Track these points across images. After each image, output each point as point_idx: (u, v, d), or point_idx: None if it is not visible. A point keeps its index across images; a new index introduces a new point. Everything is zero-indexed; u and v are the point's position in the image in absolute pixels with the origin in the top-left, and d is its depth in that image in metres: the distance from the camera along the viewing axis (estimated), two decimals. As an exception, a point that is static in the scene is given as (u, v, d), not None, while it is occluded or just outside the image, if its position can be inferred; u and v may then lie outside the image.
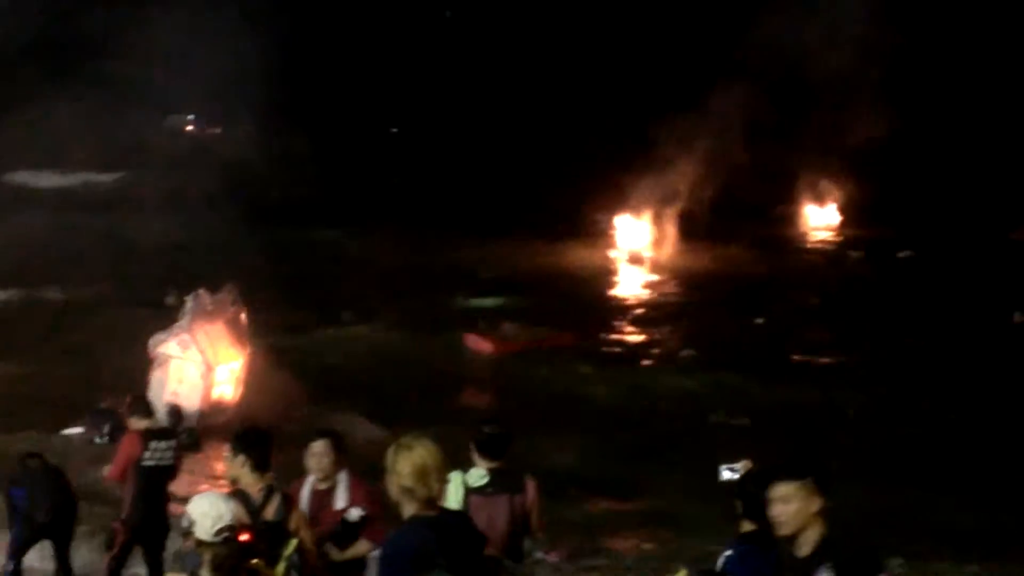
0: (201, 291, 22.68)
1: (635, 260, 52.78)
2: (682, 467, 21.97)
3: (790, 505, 6.21)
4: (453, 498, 8.83)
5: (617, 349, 33.82)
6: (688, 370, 31.06)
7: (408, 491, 6.60)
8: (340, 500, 9.31)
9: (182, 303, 23.07)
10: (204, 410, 21.51)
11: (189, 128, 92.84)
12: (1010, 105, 68.50)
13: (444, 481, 6.88)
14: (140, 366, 22.66)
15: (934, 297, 41.12)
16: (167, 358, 21.43)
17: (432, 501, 6.69)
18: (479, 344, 30.61)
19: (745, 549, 7.82)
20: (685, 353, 32.83)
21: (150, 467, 12.46)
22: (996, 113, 68.77)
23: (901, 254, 53.45)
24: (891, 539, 16.29)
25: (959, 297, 40.74)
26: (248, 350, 23.17)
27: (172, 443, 12.94)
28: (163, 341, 21.65)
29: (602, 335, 34.78)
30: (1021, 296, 40.00)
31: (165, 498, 12.76)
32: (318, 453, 9.39)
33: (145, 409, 13.32)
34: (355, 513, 9.14)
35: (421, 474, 6.58)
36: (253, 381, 23.22)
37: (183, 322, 22.03)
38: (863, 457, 22.98)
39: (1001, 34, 67.46)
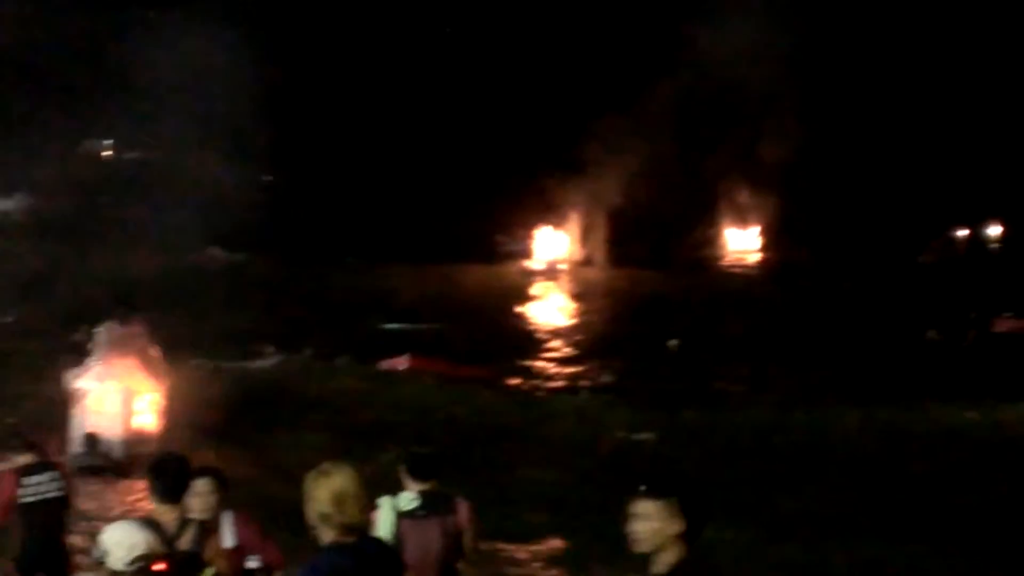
0: (111, 323, 22.57)
1: (551, 276, 53.88)
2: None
3: (649, 523, 6.06)
4: (384, 523, 8.83)
5: (523, 379, 33.64)
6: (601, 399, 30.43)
7: (325, 517, 6.50)
8: (227, 538, 9.16)
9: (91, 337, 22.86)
10: (127, 439, 21.12)
11: (106, 153, 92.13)
12: (921, 132, 70.26)
13: (363, 508, 6.74)
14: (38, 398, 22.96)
15: (852, 317, 42.03)
16: (85, 392, 21.29)
17: (351, 528, 6.57)
18: (395, 362, 30.73)
19: None
20: (605, 379, 32.90)
21: (30, 503, 11.98)
22: (908, 139, 70.35)
23: (810, 278, 53.89)
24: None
25: (876, 316, 41.97)
26: (164, 381, 22.72)
27: (53, 474, 12.30)
28: (79, 375, 21.44)
29: (513, 362, 34.91)
30: (932, 315, 41.40)
31: (59, 532, 12.22)
32: (203, 492, 9.16)
33: (23, 444, 12.74)
34: (253, 563, 9.07)
35: (338, 500, 6.50)
36: (173, 412, 22.75)
37: (97, 354, 21.84)
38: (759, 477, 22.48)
39: (912, 63, 68.79)
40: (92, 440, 20.25)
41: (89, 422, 20.97)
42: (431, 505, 8.90)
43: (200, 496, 8.93)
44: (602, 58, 72.17)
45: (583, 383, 32.73)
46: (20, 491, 11.91)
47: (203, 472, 9.18)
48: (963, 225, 69.72)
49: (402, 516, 8.80)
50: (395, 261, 50.80)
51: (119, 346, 21.88)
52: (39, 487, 12.06)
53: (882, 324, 40.79)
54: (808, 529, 17.86)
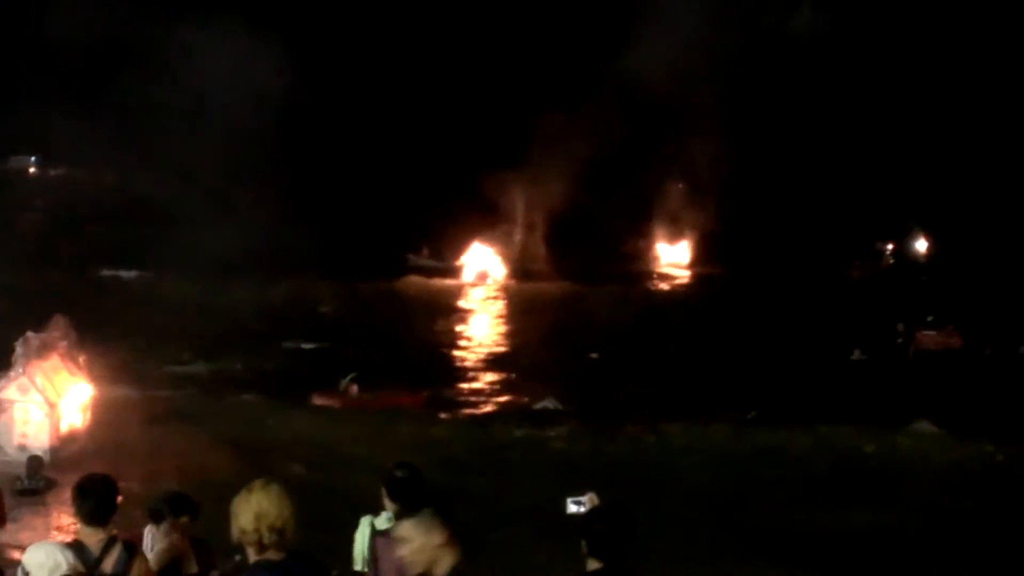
0: (29, 333, 22.60)
1: (480, 280, 54.61)
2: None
3: (412, 544, 6.27)
4: (360, 540, 8.87)
5: (458, 400, 33.11)
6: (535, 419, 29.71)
7: (245, 533, 6.54)
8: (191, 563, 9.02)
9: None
10: (54, 446, 21.36)
11: (32, 170, 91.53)
12: (848, 148, 71.33)
13: (286, 527, 6.63)
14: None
15: (775, 334, 41.72)
16: (9, 403, 21.50)
17: (278, 545, 6.56)
18: (325, 400, 30.07)
19: None
20: (540, 405, 31.69)
21: None
22: (836, 155, 71.32)
23: (736, 292, 53.90)
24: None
25: (800, 335, 41.59)
26: (88, 374, 23.26)
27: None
28: (2, 388, 21.68)
29: (443, 388, 33.99)
30: (858, 333, 41.54)
31: None
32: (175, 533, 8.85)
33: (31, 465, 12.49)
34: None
35: (258, 519, 6.52)
36: (99, 410, 23.38)
37: (18, 366, 21.92)
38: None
39: (839, 79, 70.03)
40: (36, 464, 20.06)
41: (16, 432, 21.20)
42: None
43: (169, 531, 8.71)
44: (537, 68, 72.40)
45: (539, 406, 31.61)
46: None
47: (181, 504, 8.99)
48: (889, 239, 70.28)
49: (377, 534, 8.75)
50: (307, 276, 50.39)
51: (39, 353, 22.11)
52: None
53: (807, 342, 40.56)
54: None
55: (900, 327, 43.13)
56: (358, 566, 8.85)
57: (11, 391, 21.51)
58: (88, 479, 8.55)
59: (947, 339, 41.58)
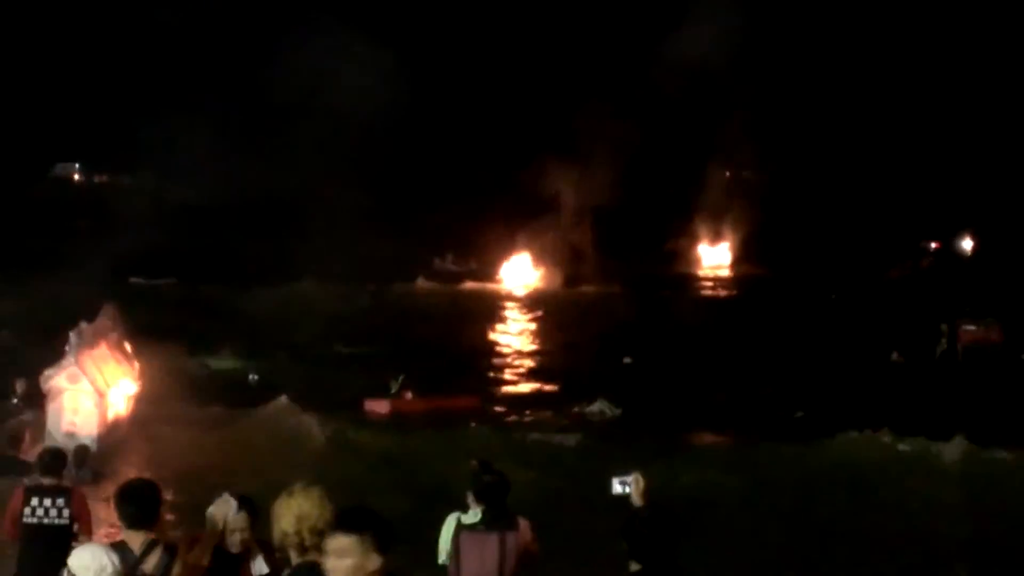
0: (82, 323, 23.02)
1: (520, 299, 53.17)
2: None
3: (344, 560, 5.98)
4: (446, 534, 9.05)
5: (504, 408, 32.11)
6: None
7: (286, 536, 6.67)
8: (260, 567, 8.60)
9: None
10: (101, 434, 21.76)
11: (76, 176, 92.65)
12: (891, 149, 71.23)
13: (327, 529, 6.38)
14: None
15: (817, 338, 41.46)
16: (60, 391, 21.85)
17: (318, 548, 6.46)
18: (374, 407, 29.43)
19: None
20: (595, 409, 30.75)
21: (32, 525, 11.59)
22: (875, 158, 71.24)
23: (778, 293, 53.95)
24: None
25: (841, 337, 41.39)
26: (135, 364, 23.75)
27: (59, 501, 11.72)
28: (53, 376, 21.96)
29: (491, 391, 33.51)
30: (898, 334, 41.13)
31: (58, 559, 11.63)
32: (240, 528, 8.48)
33: (44, 466, 12.10)
34: None
35: (299, 521, 6.66)
36: (144, 395, 23.85)
37: (70, 355, 22.23)
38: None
39: (882, 81, 69.62)
40: (83, 453, 20.14)
41: (65, 420, 21.60)
42: (492, 521, 9.01)
43: (237, 531, 8.40)
44: (568, 79, 71.87)
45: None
46: (26, 510, 11.60)
47: (241, 502, 8.50)
48: (935, 238, 70.80)
49: (463, 528, 9.00)
50: (341, 281, 50.02)
51: (90, 343, 22.48)
52: (42, 511, 11.68)
53: (847, 345, 40.27)
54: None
55: (943, 327, 42.60)
56: (442, 558, 9.03)
57: (61, 380, 21.83)
58: (130, 484, 8.62)
59: (987, 333, 41.43)
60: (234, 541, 8.22)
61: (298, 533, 6.60)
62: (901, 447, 24.84)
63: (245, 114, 77.10)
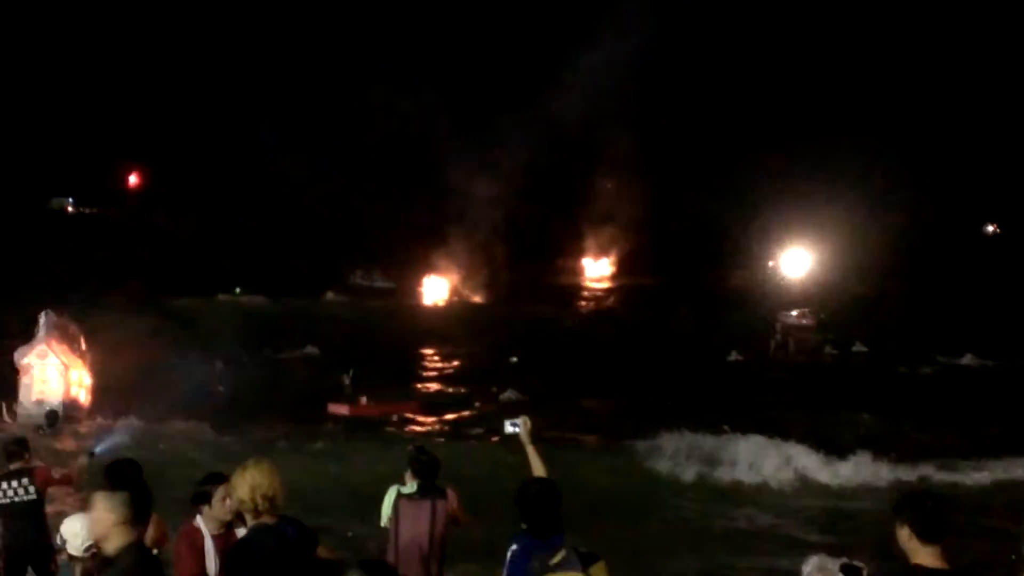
0: (48, 311, 23.34)
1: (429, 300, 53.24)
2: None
3: (92, 513, 5.84)
4: (388, 501, 9.08)
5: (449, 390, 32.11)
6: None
7: (243, 503, 6.50)
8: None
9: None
10: (65, 402, 22.06)
11: (70, 209, 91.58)
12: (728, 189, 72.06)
13: (277, 496, 6.49)
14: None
15: (666, 341, 41.14)
16: (30, 366, 22.33)
17: (271, 511, 6.46)
18: (337, 409, 28.46)
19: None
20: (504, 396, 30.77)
21: (5, 504, 11.07)
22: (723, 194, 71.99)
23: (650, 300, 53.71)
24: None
25: (690, 342, 41.10)
26: (88, 359, 23.68)
27: (24, 481, 11.20)
28: (25, 353, 22.49)
29: (424, 392, 32.43)
30: (735, 340, 40.87)
31: (38, 527, 10.99)
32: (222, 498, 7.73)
33: (9, 454, 11.29)
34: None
35: (253, 490, 6.47)
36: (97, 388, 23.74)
37: (40, 336, 22.74)
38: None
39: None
40: (53, 415, 20.16)
41: (35, 390, 22.09)
42: (426, 492, 9.07)
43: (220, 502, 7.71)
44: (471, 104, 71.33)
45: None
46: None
47: (219, 479, 7.82)
48: (769, 256, 71.03)
49: (402, 496, 9.07)
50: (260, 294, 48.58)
51: (57, 332, 23.00)
52: (10, 492, 11.21)
53: (692, 347, 39.69)
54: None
55: (779, 325, 43.94)
56: (383, 522, 9.07)
57: (32, 357, 22.40)
58: (118, 463, 8.31)
59: (800, 318, 43.29)
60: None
61: (252, 500, 6.44)
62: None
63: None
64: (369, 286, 57.20)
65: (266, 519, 6.39)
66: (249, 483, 6.42)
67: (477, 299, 51.68)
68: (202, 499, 7.33)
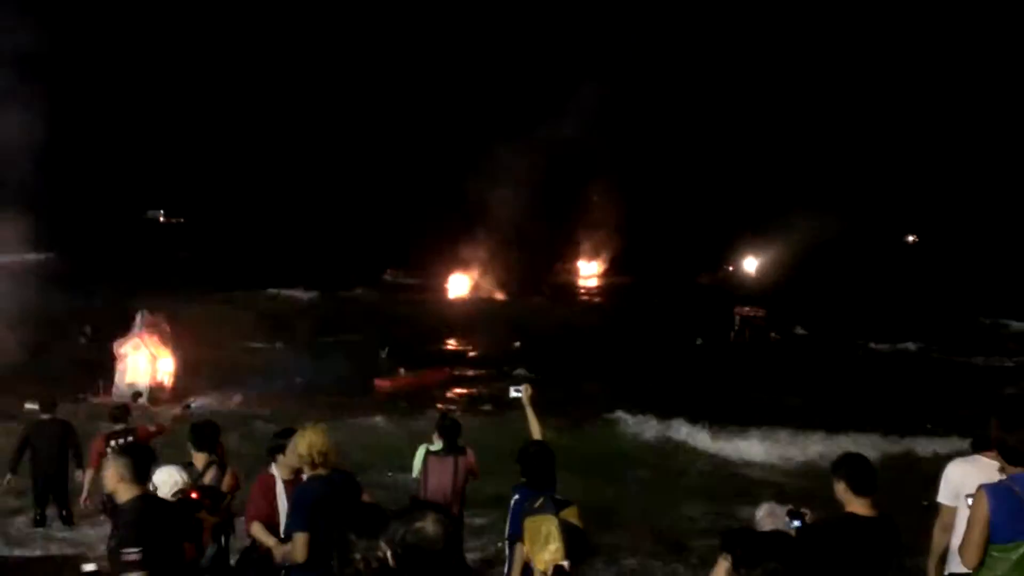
0: (144, 311, 23.32)
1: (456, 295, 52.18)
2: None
3: (163, 478, 6.27)
4: (418, 457, 9.19)
5: (469, 373, 30.56)
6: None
7: (303, 459, 6.62)
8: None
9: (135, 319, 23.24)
10: (152, 387, 21.98)
11: (161, 219, 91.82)
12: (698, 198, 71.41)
13: (330, 453, 6.65)
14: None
15: (640, 327, 40.58)
16: (125, 355, 22.40)
17: (324, 465, 6.64)
18: (382, 383, 27.18)
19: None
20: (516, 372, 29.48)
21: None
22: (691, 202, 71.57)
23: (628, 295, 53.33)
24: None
25: (658, 326, 40.57)
26: (176, 352, 23.48)
27: (128, 439, 11.40)
28: (122, 344, 22.57)
29: (456, 368, 31.29)
30: (701, 325, 40.17)
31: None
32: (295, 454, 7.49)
33: (115, 417, 12.00)
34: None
35: (310, 447, 6.58)
36: (183, 376, 23.56)
37: (135, 331, 22.79)
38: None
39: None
40: (137, 396, 19.90)
41: (128, 375, 22.24)
42: (449, 450, 9.15)
43: (292, 453, 7.49)
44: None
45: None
46: (108, 449, 11.02)
47: (292, 433, 7.62)
48: (729, 261, 70.26)
49: (430, 454, 9.16)
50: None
51: (149, 328, 23.14)
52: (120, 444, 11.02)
53: (663, 332, 39.09)
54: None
55: (737, 317, 43.28)
56: (415, 473, 9.22)
57: (127, 347, 22.59)
58: (201, 422, 8.69)
59: (755, 312, 43.19)
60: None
61: (309, 455, 6.57)
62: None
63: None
64: (396, 282, 56.40)
65: (320, 471, 6.56)
66: (307, 442, 6.54)
67: (499, 295, 50.56)
68: (277, 450, 7.43)
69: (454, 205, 59.56)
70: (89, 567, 6.26)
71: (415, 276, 57.47)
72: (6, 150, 25.06)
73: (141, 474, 6.12)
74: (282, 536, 6.88)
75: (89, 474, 11.53)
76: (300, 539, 6.34)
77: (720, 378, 29.44)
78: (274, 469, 7.43)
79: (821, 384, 28.42)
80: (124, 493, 6.03)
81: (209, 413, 18.32)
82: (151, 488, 6.67)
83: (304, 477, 6.92)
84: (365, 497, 6.97)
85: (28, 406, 16.32)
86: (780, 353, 35.75)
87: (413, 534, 3.32)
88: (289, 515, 6.68)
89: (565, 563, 3.85)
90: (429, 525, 3.36)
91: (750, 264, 70.24)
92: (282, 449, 7.33)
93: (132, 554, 5.80)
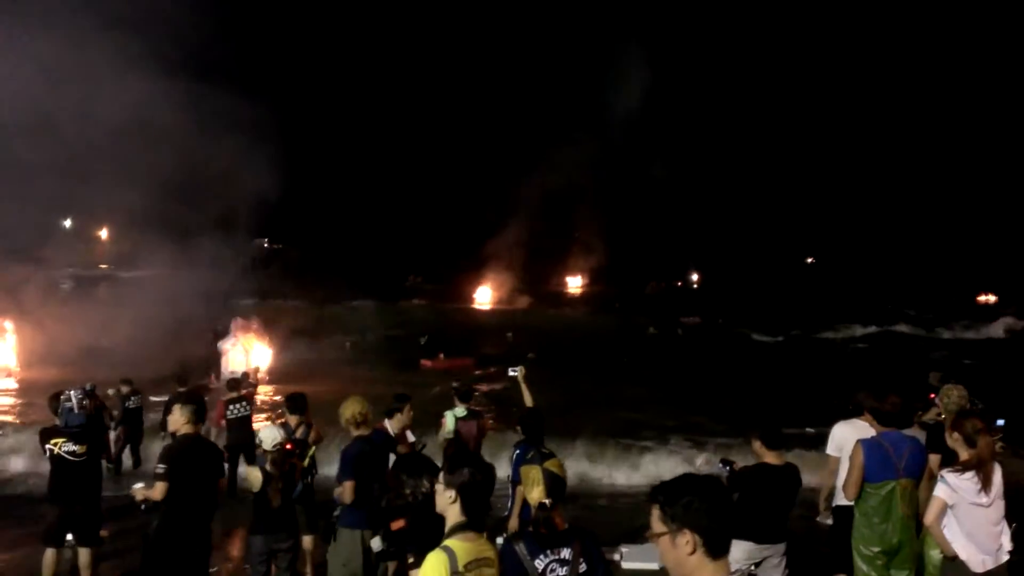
0: (238, 317, 23.71)
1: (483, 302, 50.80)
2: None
3: (268, 435, 6.40)
4: (449, 421, 8.75)
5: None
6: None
7: (350, 422, 6.44)
8: (411, 436, 7.64)
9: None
10: (247, 372, 20.21)
11: (265, 246, 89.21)
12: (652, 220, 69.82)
13: (370, 417, 6.52)
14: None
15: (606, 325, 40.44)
16: (226, 350, 22.61)
17: (365, 426, 6.46)
18: (426, 363, 27.52)
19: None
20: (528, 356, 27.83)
21: (232, 419, 11.33)
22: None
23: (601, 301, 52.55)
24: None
25: (619, 321, 40.77)
26: (269, 342, 23.65)
27: (243, 404, 11.48)
28: (224, 342, 22.79)
29: (483, 357, 29.23)
30: (653, 320, 40.40)
31: (249, 431, 10.93)
32: (406, 412, 7.47)
33: (231, 386, 12.10)
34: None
35: (354, 412, 6.44)
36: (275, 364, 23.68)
37: (231, 331, 23.06)
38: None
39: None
40: (236, 381, 20.34)
41: (229, 365, 22.17)
42: (471, 415, 8.80)
43: (404, 415, 7.49)
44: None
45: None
46: (227, 412, 11.39)
47: (405, 399, 7.62)
48: (681, 271, 69.99)
49: (458, 418, 8.75)
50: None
51: (243, 328, 23.32)
52: (237, 410, 11.39)
53: (623, 326, 39.03)
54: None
55: (680, 321, 43.16)
56: (448, 434, 8.69)
57: (228, 344, 22.77)
58: (293, 393, 8.60)
59: (695, 321, 42.96)
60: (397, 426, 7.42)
61: (353, 418, 6.44)
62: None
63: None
64: (415, 287, 54.53)
65: (363, 431, 6.43)
66: (351, 409, 6.43)
67: (521, 304, 48.27)
68: (392, 413, 7.35)
69: (470, 228, 58.27)
70: (138, 486, 6.13)
71: (433, 283, 55.99)
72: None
73: (198, 418, 6.25)
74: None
75: (213, 432, 11.31)
76: (348, 485, 6.18)
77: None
78: (387, 424, 7.30)
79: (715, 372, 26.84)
80: (183, 429, 6.19)
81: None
82: (257, 442, 6.69)
83: (407, 433, 6.98)
84: (401, 449, 6.93)
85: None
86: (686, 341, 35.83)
87: (464, 475, 3.61)
88: (339, 466, 6.37)
89: (547, 501, 3.82)
90: (472, 470, 3.66)
91: (693, 276, 70.07)
92: (396, 412, 7.28)
93: (161, 468, 6.00)
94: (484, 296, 52.26)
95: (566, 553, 3.79)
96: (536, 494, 3.98)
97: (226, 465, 7.57)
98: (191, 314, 25.99)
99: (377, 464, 6.28)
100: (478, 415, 8.88)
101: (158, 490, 6.00)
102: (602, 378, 24.33)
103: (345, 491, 6.22)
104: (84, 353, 21.70)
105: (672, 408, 19.24)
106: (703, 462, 7.36)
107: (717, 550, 2.54)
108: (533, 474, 4.10)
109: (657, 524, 2.59)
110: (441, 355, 28.10)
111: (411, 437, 7.62)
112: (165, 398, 13.08)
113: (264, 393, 19.32)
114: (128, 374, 13.83)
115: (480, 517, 3.66)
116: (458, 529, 3.55)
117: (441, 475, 3.67)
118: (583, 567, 3.79)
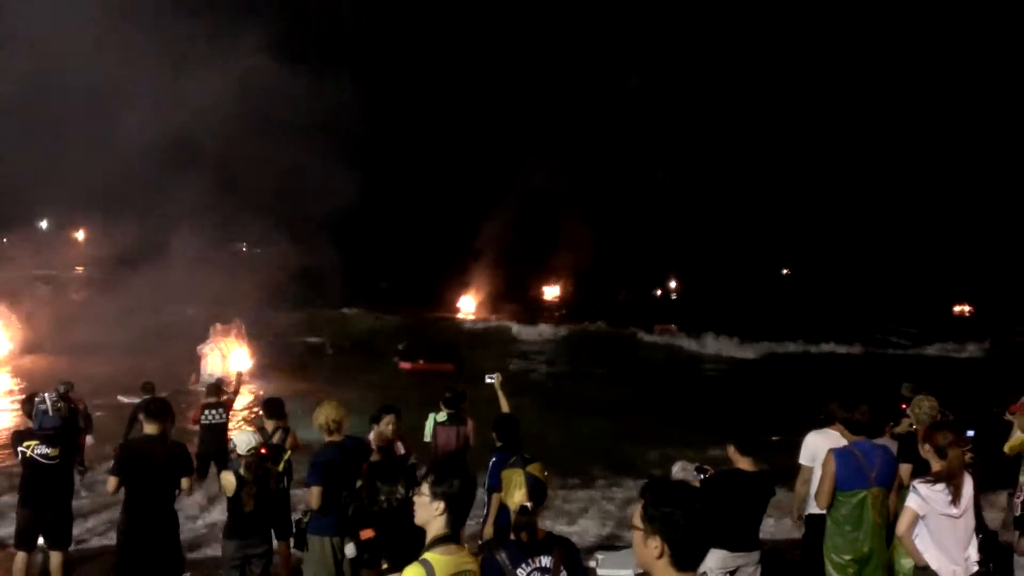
0: (217, 323, 23.36)
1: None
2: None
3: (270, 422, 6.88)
4: (428, 426, 8.49)
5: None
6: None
7: (323, 427, 6.33)
8: (400, 448, 7.54)
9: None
10: (224, 377, 20.43)
11: (243, 248, 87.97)
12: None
13: (343, 422, 6.35)
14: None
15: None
16: (205, 354, 22.50)
17: (339, 432, 6.32)
18: (403, 365, 27.71)
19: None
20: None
21: (207, 424, 11.14)
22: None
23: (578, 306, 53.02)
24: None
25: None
26: (249, 345, 23.57)
27: (220, 410, 11.23)
28: (203, 347, 22.67)
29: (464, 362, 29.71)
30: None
31: (223, 438, 10.69)
32: (389, 422, 7.44)
33: (209, 392, 11.75)
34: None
35: (327, 417, 6.31)
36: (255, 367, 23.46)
37: (211, 336, 22.97)
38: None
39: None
40: (217, 385, 20.09)
41: (208, 368, 22.06)
42: (454, 419, 8.50)
43: (388, 425, 7.45)
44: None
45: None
46: (202, 417, 11.19)
47: (389, 410, 7.56)
48: (660, 279, 70.42)
49: (437, 423, 8.48)
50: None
51: (222, 332, 23.18)
52: (212, 415, 11.19)
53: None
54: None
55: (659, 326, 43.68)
56: (426, 438, 8.48)
57: (207, 348, 22.65)
58: (271, 398, 8.48)
59: (667, 328, 43.15)
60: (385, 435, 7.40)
61: (326, 424, 6.33)
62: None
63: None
64: (386, 291, 53.89)
65: (335, 437, 6.31)
66: (324, 414, 6.33)
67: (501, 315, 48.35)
68: (375, 420, 7.33)
69: (448, 238, 58.11)
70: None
71: (404, 288, 55.05)
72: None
73: (160, 419, 6.47)
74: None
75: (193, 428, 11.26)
76: (315, 491, 6.12)
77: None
78: (370, 436, 7.20)
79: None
80: (147, 430, 6.41)
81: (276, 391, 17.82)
82: (231, 446, 6.67)
83: (397, 444, 6.93)
84: (373, 457, 6.76)
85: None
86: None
87: (453, 486, 3.43)
88: (308, 472, 6.30)
89: (528, 504, 3.80)
90: (462, 480, 3.52)
91: (665, 286, 70.27)
92: (378, 420, 7.29)
93: (114, 461, 6.32)
94: (467, 306, 51.91)
95: (546, 561, 3.74)
96: (518, 497, 4.00)
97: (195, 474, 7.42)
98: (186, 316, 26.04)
99: (347, 471, 6.16)
100: (460, 422, 8.54)
101: (110, 484, 6.31)
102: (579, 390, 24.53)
103: (312, 496, 6.14)
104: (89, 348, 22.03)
105: (650, 418, 19.37)
106: (679, 468, 7.32)
107: (684, 564, 2.55)
108: (516, 477, 4.10)
109: (637, 518, 2.62)
110: (420, 360, 27.97)
111: (401, 449, 7.52)
112: (134, 400, 12.97)
113: (247, 391, 19.35)
114: (115, 373, 13.64)
115: (460, 528, 3.54)
116: (439, 542, 3.37)
117: (425, 486, 3.43)
118: (564, 575, 3.73)
